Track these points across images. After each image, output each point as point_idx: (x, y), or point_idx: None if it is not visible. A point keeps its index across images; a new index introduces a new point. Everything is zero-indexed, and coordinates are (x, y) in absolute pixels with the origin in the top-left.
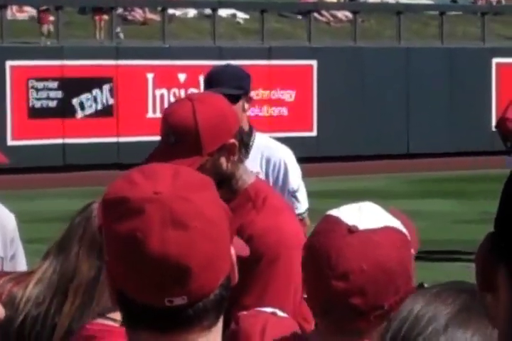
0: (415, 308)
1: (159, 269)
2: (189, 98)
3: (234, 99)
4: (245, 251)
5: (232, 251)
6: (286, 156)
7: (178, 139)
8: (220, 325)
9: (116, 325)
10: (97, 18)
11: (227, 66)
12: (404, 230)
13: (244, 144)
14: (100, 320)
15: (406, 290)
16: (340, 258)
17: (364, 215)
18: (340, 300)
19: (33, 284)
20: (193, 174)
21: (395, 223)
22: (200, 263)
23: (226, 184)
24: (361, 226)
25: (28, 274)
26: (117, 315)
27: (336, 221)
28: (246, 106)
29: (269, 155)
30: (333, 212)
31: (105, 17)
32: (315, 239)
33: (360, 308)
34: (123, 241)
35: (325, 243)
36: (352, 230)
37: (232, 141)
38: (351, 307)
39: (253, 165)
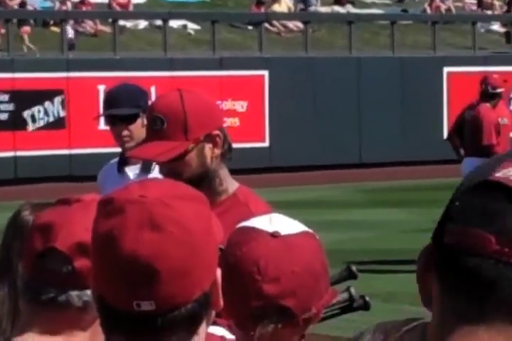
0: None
1: (129, 268)
2: (177, 88)
3: (133, 117)
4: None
5: (218, 274)
6: None
7: (166, 121)
8: None
9: None
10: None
11: (124, 86)
12: (316, 235)
13: (229, 145)
14: None
15: (329, 294)
16: (270, 262)
17: (278, 222)
18: (272, 303)
19: None
20: (187, 188)
21: (309, 229)
22: (171, 269)
23: (207, 182)
24: (282, 232)
25: None
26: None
27: (254, 230)
28: (145, 122)
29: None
30: (246, 223)
31: (55, 29)
32: (235, 249)
33: (291, 311)
34: (100, 238)
35: (249, 251)
36: (275, 235)
37: (218, 132)
38: (283, 310)
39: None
